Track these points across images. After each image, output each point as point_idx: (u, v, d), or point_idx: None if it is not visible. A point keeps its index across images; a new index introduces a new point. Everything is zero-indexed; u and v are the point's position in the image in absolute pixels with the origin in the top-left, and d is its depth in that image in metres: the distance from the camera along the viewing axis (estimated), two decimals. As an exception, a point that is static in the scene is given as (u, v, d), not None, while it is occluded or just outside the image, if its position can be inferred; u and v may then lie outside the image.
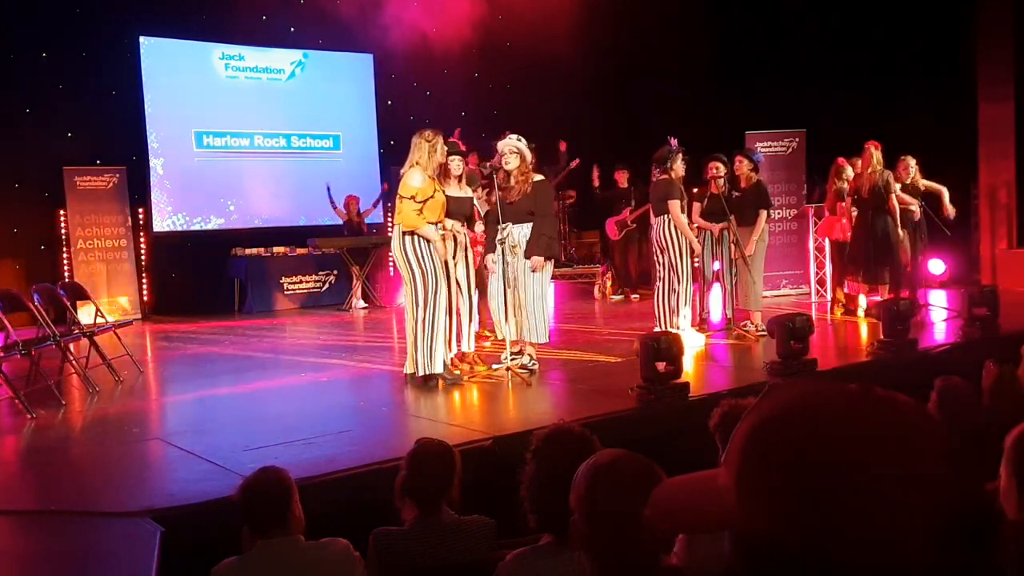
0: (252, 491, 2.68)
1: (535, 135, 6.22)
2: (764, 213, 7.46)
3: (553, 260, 6.13)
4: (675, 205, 6.91)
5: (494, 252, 5.92)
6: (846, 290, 8.42)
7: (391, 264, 11.92)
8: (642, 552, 1.71)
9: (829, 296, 9.07)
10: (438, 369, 5.64)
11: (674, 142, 7.16)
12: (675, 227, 6.93)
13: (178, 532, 3.22)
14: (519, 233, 5.89)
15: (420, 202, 5.55)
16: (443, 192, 5.77)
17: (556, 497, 1.94)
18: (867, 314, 7.87)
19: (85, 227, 10.40)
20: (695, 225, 7.44)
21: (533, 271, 5.89)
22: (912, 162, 8.31)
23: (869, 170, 7.86)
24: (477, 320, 6.54)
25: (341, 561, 2.66)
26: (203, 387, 6.22)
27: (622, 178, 10.82)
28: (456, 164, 6.05)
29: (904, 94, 10.31)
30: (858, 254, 8.01)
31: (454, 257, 6.04)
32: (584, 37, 10.80)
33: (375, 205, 11.54)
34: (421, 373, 5.62)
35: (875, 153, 7.86)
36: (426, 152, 5.65)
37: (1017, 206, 10.59)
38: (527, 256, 5.89)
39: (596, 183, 11.05)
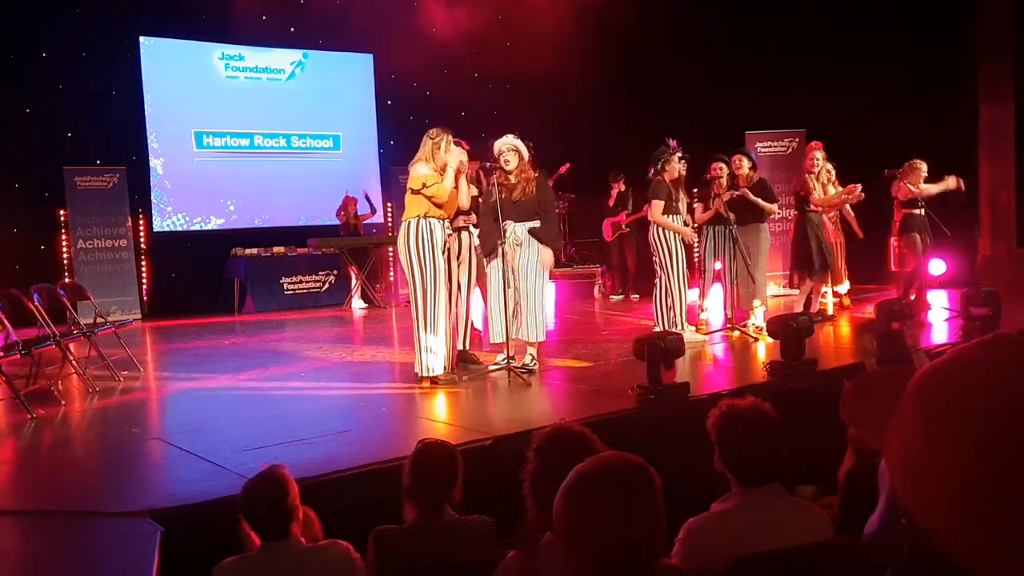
0: (253, 497, 2.67)
1: (535, 136, 6.20)
2: (774, 205, 7.65)
3: (553, 259, 6.13)
4: (657, 205, 6.89)
5: (494, 254, 5.91)
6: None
7: (391, 264, 11.93)
8: (627, 562, 1.70)
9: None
10: (439, 371, 5.65)
11: (673, 143, 7.15)
12: (663, 229, 6.92)
13: (178, 532, 3.22)
14: (522, 231, 5.88)
15: (432, 184, 5.56)
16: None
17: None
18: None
19: (85, 227, 10.40)
20: (694, 225, 7.45)
21: (545, 267, 5.89)
22: (922, 165, 8.22)
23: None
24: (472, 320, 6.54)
25: (342, 562, 2.65)
26: (203, 387, 6.23)
27: (620, 183, 10.89)
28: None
29: (904, 94, 10.29)
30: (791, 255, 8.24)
31: (458, 258, 6.04)
32: (584, 37, 10.78)
33: (373, 211, 11.55)
34: (424, 374, 5.63)
35: (807, 154, 8.06)
36: (430, 149, 5.68)
37: (1017, 206, 10.57)
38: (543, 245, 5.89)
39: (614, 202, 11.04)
